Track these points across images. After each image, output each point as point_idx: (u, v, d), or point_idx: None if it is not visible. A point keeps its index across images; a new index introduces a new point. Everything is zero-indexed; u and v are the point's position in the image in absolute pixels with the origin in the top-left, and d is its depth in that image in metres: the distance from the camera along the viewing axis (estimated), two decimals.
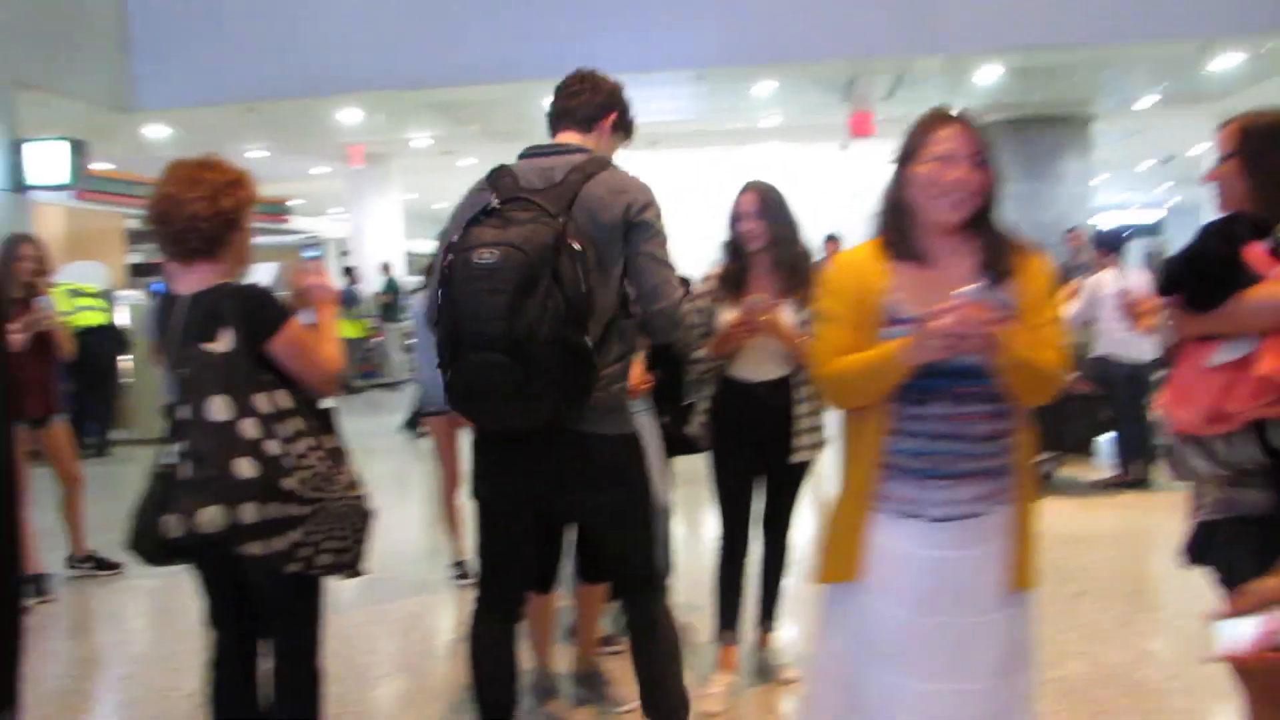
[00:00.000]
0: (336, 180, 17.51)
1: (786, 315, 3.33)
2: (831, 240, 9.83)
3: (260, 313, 2.42)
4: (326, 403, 2.57)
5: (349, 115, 12.81)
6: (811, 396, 3.42)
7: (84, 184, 10.91)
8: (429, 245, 15.03)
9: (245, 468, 2.27)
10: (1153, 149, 18.50)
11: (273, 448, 2.32)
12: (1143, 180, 22.34)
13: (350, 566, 2.46)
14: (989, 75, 11.90)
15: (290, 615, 2.51)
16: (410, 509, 7.20)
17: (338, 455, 2.49)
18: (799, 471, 3.50)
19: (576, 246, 2.36)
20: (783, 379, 3.41)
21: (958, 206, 2.09)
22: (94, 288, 10.18)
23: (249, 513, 2.26)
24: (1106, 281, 6.74)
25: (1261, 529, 2.14)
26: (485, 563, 2.73)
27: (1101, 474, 7.00)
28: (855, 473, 2.15)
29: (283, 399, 2.39)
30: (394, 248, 16.98)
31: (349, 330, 13.78)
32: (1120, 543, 5.44)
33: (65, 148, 10.06)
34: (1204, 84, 12.19)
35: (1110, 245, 7.12)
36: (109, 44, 10.61)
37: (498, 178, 2.57)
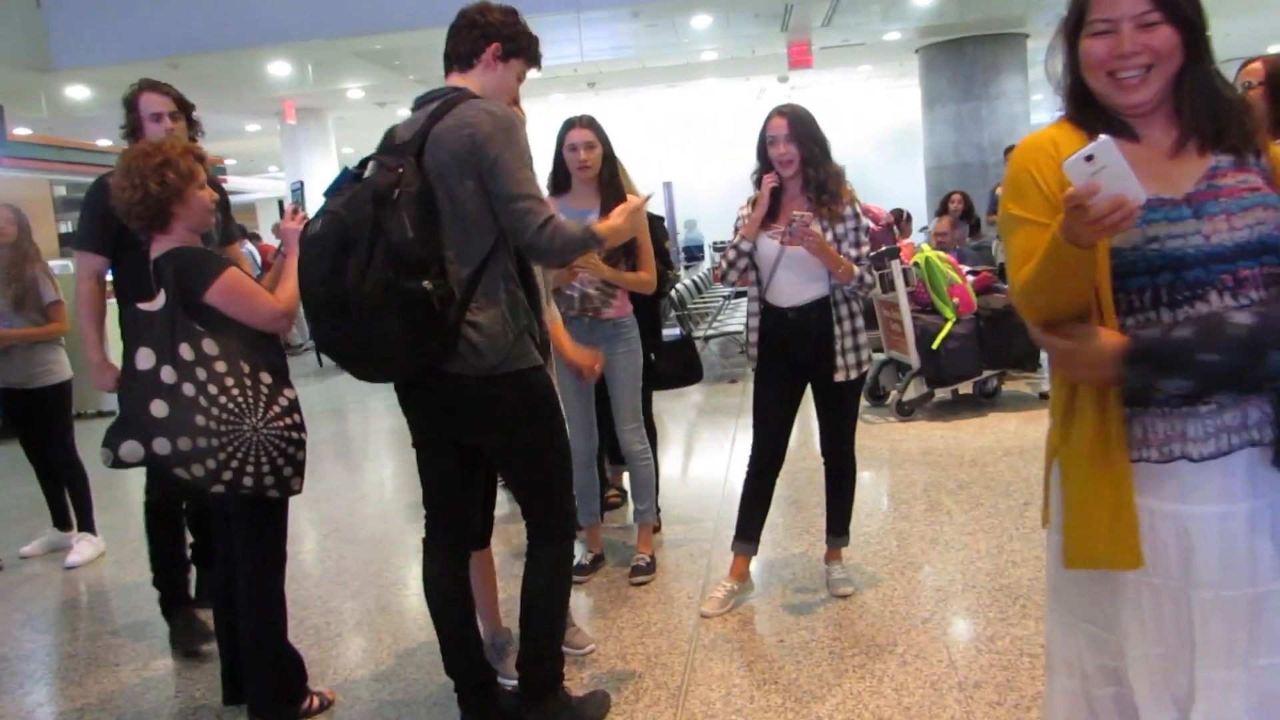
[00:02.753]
0: (272, 137, 17.13)
1: (818, 232, 3.38)
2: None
3: (190, 272, 2.74)
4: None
5: (276, 68, 12.52)
6: (852, 316, 3.50)
7: (5, 150, 10.59)
8: None
9: (158, 408, 2.65)
10: None
11: (188, 390, 2.67)
12: None
13: (277, 488, 2.80)
14: None
15: (239, 530, 2.91)
16: (372, 468, 7.19)
17: (270, 389, 2.78)
18: (847, 390, 3.57)
19: (400, 195, 2.37)
20: (820, 300, 3.47)
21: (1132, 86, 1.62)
22: None
23: (161, 445, 2.65)
24: None
25: None
26: (427, 505, 2.83)
27: (1046, 387, 7.14)
28: (1087, 415, 1.63)
29: (210, 346, 2.71)
30: None
31: None
32: None
33: None
34: None
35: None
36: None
37: (382, 139, 2.63)
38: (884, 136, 20.48)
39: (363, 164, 2.53)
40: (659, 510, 4.50)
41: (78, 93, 12.31)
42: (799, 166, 3.44)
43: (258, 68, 12.58)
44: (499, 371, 2.53)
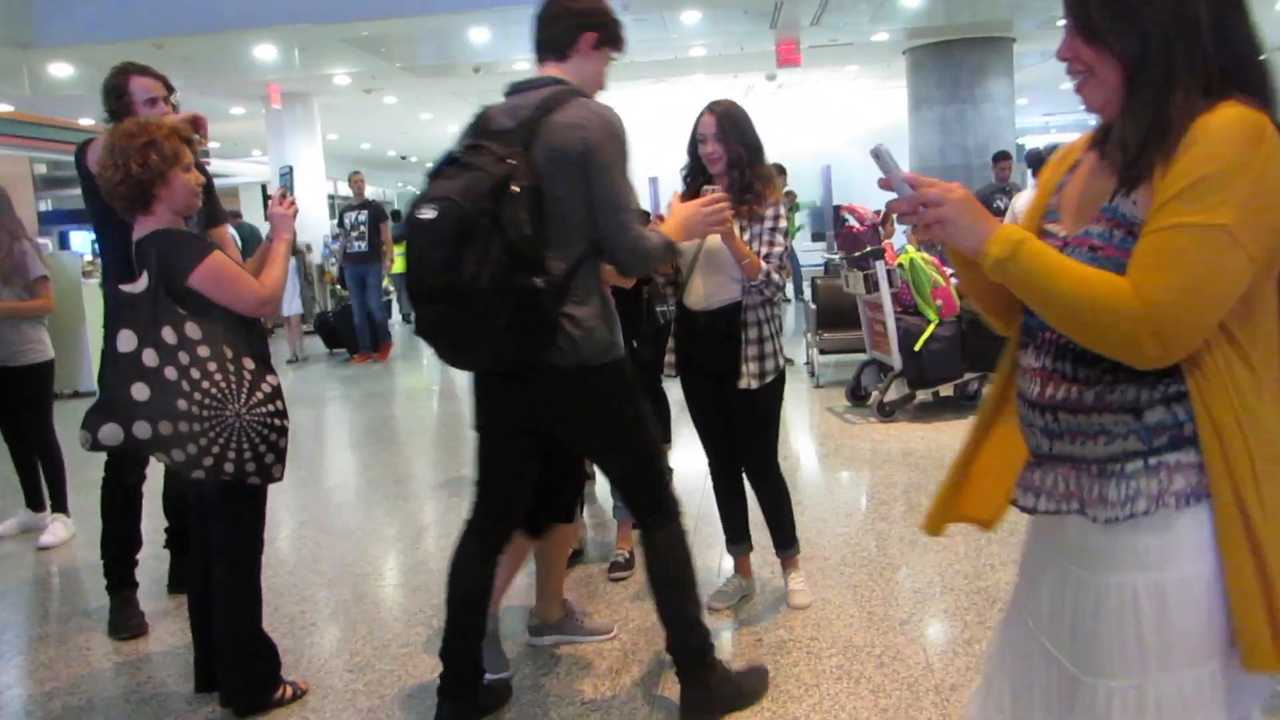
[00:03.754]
0: (255, 121, 16.99)
1: (735, 230, 3.29)
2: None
3: (173, 255, 2.72)
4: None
5: (263, 51, 12.40)
6: (761, 323, 3.38)
7: None
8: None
9: (139, 391, 2.64)
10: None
11: (170, 374, 2.66)
12: (1065, 100, 22.68)
13: (259, 475, 2.79)
14: None
15: (217, 516, 2.89)
16: (350, 457, 7.15)
17: (254, 375, 2.77)
18: (755, 399, 3.41)
19: (518, 188, 2.38)
20: (733, 305, 3.38)
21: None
22: None
23: (142, 429, 2.64)
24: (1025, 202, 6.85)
25: None
26: (478, 491, 2.81)
27: None
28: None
29: (193, 330, 2.69)
30: (316, 190, 16.56)
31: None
32: None
33: None
34: None
35: (1037, 164, 7.11)
36: None
37: (473, 121, 2.63)
38: (870, 137, 20.47)
39: (465, 148, 2.52)
40: None
41: (61, 70, 12.15)
42: (725, 166, 3.39)
43: (243, 51, 12.46)
44: (592, 363, 2.57)
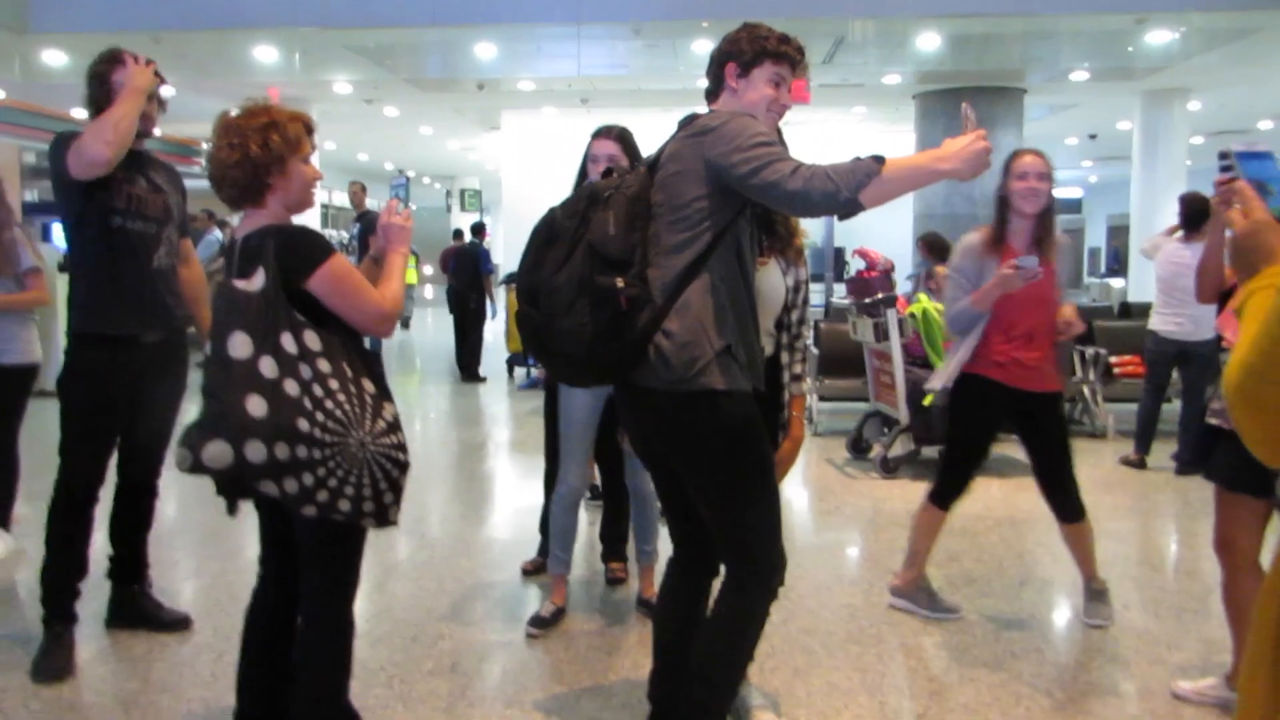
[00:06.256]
0: None
1: (774, 277, 2.94)
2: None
3: (295, 252, 2.40)
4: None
5: (263, 53, 12.14)
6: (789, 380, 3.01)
7: None
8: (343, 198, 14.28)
9: (256, 405, 2.26)
10: (1079, 125, 18.66)
11: (291, 388, 2.30)
12: (1070, 156, 22.61)
13: (376, 516, 2.41)
14: (927, 43, 11.75)
15: (317, 560, 2.49)
16: None
17: (375, 400, 2.45)
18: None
19: (612, 195, 2.39)
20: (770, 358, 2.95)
21: None
22: None
23: (255, 451, 2.24)
24: (1180, 255, 6.41)
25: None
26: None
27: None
28: None
29: (313, 340, 2.37)
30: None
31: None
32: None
33: None
34: (1132, 60, 12.23)
35: (1195, 214, 6.44)
36: None
37: None
38: None
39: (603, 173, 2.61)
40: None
41: (54, 58, 11.82)
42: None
43: (243, 51, 12.18)
44: (687, 388, 2.35)
